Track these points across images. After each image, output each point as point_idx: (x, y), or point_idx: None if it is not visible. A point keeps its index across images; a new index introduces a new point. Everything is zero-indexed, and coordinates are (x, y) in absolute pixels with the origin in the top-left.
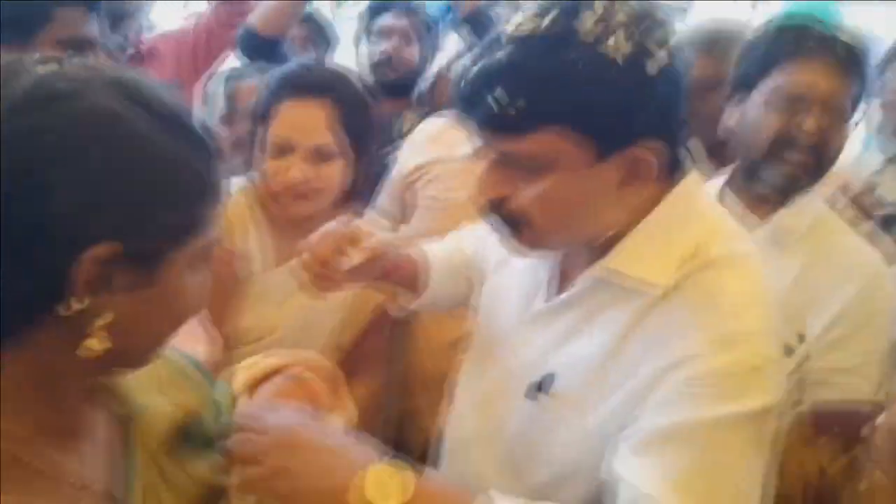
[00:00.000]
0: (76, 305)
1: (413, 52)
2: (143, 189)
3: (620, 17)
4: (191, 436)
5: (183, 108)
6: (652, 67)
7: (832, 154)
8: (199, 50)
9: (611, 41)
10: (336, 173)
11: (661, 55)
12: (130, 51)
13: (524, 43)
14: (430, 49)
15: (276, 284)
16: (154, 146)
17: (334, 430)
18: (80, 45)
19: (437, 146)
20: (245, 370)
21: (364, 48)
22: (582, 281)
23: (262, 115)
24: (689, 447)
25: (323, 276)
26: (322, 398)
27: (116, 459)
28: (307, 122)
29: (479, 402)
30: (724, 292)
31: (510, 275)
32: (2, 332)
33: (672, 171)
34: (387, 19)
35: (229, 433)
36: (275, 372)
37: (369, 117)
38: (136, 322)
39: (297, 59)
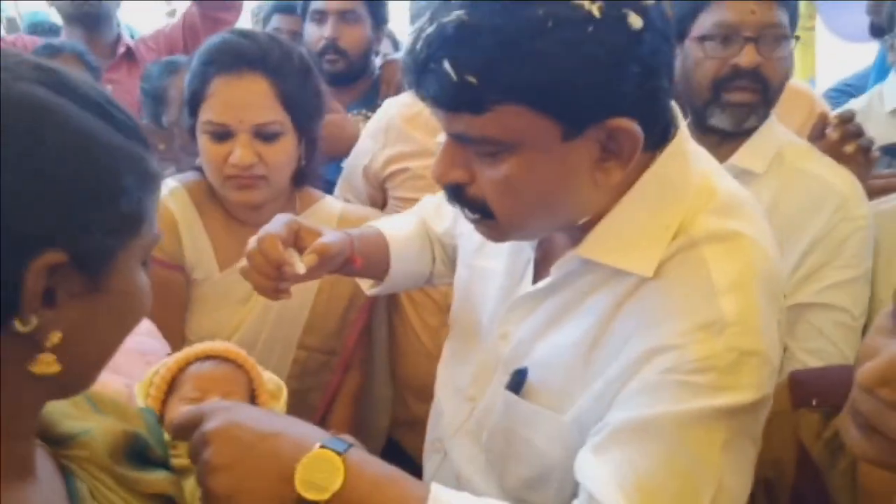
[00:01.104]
0: (33, 320)
1: (358, 35)
2: (81, 187)
3: None
4: (136, 452)
5: (110, 98)
6: (636, 20)
7: (777, 83)
8: (189, 47)
9: None
10: (284, 153)
11: (647, 2)
12: (121, 50)
13: (479, 1)
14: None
15: (234, 283)
16: (89, 134)
17: (262, 414)
18: None
19: (416, 130)
20: (142, 385)
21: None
22: (556, 270)
23: (193, 99)
24: (655, 444)
25: (267, 287)
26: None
27: (59, 494)
28: (243, 99)
29: (459, 396)
30: (710, 273)
31: (492, 255)
32: None
33: (660, 139)
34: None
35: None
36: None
37: (313, 85)
38: (88, 331)
39: (228, 29)
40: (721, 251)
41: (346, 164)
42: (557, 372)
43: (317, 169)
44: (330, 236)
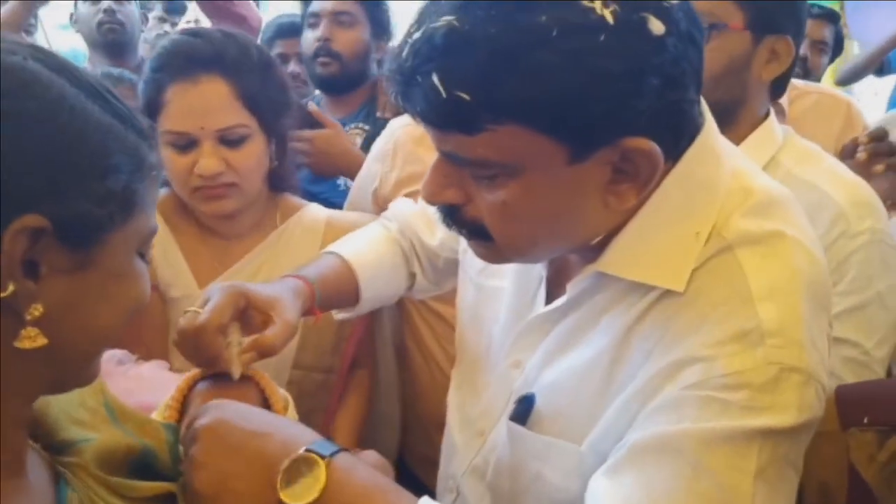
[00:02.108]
0: (10, 287)
1: (353, 37)
2: (66, 155)
3: None
4: (143, 465)
5: (110, 89)
6: (656, 25)
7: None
8: None
9: None
10: (252, 157)
11: (671, 2)
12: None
13: (472, 3)
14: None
15: None
16: (81, 112)
17: (255, 412)
18: None
19: (426, 151)
20: (161, 407)
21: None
22: (573, 287)
23: (149, 108)
24: (674, 465)
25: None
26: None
27: (47, 501)
28: (203, 105)
29: (470, 430)
30: (746, 279)
31: (500, 273)
32: None
33: (685, 148)
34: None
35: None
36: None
37: (276, 80)
38: (75, 311)
39: (178, 29)
40: (759, 254)
41: (353, 188)
42: (570, 397)
43: (291, 169)
44: (277, 325)
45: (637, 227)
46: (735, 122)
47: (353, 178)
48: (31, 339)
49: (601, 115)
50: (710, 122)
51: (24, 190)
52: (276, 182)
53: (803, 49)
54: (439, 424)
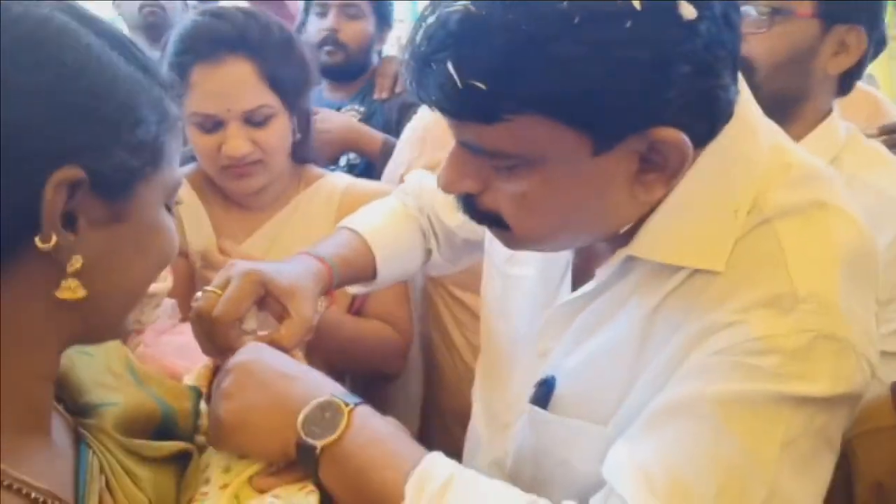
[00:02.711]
0: (53, 238)
1: (359, 29)
2: (100, 106)
3: None
4: (164, 428)
5: (132, 41)
6: (687, 9)
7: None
8: None
9: None
10: (277, 135)
11: None
12: None
13: None
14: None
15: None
16: (109, 64)
17: (288, 359)
18: None
19: (424, 145)
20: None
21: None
22: (601, 273)
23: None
24: (695, 427)
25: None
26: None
27: (68, 463)
28: (229, 87)
29: (495, 424)
30: (781, 245)
31: (525, 261)
32: None
33: (713, 135)
34: None
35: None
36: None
37: (297, 56)
38: (111, 262)
39: (199, 10)
40: (798, 223)
41: (384, 175)
42: (594, 379)
43: (312, 142)
44: (293, 321)
45: (671, 207)
46: (796, 117)
47: (360, 149)
48: (72, 290)
49: (627, 106)
50: (745, 94)
51: (61, 142)
52: (300, 154)
53: None
54: (458, 416)
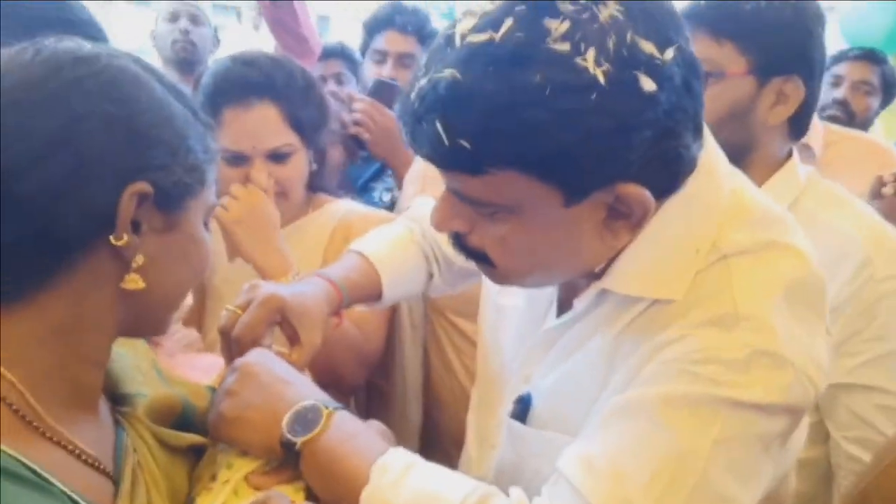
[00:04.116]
0: (124, 237)
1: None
2: (162, 134)
3: (604, 16)
4: (184, 420)
5: (182, 87)
6: (647, 83)
7: None
8: None
9: (588, 53)
10: (297, 170)
11: (665, 59)
12: None
13: (473, 58)
14: None
15: (243, 272)
16: (167, 103)
17: (288, 368)
18: None
19: (424, 182)
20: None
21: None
22: (579, 303)
23: None
24: (636, 422)
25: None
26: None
27: (109, 439)
28: (256, 129)
29: (484, 446)
30: (731, 278)
31: (513, 292)
32: (56, 263)
33: (675, 187)
34: (387, 37)
35: None
36: None
37: (316, 98)
38: (163, 264)
39: (226, 58)
40: (749, 259)
41: (396, 210)
42: (567, 397)
43: (326, 173)
44: (302, 347)
45: (639, 247)
46: (750, 165)
47: (391, 164)
48: (134, 282)
49: (593, 166)
50: (710, 144)
51: (135, 161)
52: (314, 184)
53: (843, 92)
54: (455, 439)
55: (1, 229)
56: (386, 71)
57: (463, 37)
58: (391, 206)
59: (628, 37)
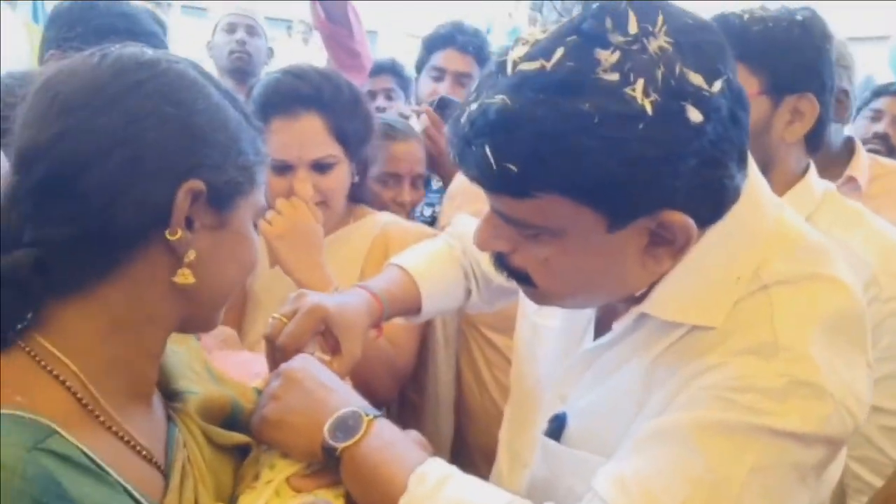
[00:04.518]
0: (179, 232)
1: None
2: (216, 135)
3: (654, 48)
4: (232, 419)
5: (235, 94)
6: (695, 114)
7: None
8: None
9: (637, 84)
10: (338, 181)
11: (712, 91)
12: None
13: (524, 85)
14: None
15: (283, 280)
16: (222, 107)
17: (331, 374)
18: None
19: (464, 197)
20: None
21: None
22: (617, 326)
23: None
24: (671, 447)
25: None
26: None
27: (162, 433)
28: (301, 139)
29: (517, 463)
30: (772, 307)
31: (551, 313)
32: (114, 256)
33: (719, 217)
34: (447, 55)
35: None
36: None
37: (362, 112)
38: (213, 261)
39: (277, 70)
40: (791, 290)
41: (438, 225)
42: (603, 419)
43: (368, 185)
44: (343, 358)
45: (681, 273)
46: (769, 183)
47: (439, 173)
48: (185, 276)
49: (638, 193)
50: (754, 173)
51: (190, 159)
52: (356, 195)
53: (883, 126)
54: (486, 453)
55: (63, 222)
56: (443, 88)
57: (515, 64)
58: (432, 221)
59: (677, 68)
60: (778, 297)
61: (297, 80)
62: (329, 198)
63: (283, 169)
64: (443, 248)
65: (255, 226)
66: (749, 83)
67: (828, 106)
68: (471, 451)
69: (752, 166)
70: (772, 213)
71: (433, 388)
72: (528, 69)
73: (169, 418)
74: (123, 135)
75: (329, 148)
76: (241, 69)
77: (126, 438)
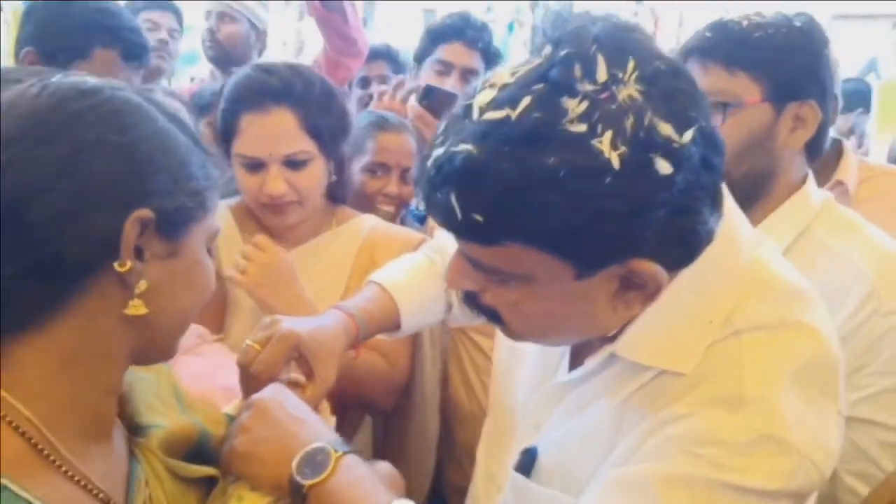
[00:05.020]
0: (128, 263)
1: None
2: (164, 162)
3: (623, 96)
4: (198, 450)
5: (184, 118)
6: (664, 165)
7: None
8: None
9: (605, 136)
10: (313, 178)
11: (682, 141)
12: None
13: (489, 135)
14: None
15: None
16: (169, 132)
17: (302, 406)
18: None
19: None
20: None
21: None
22: (591, 362)
23: (225, 133)
24: (636, 497)
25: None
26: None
27: (122, 472)
28: (271, 133)
29: (491, 485)
30: (742, 354)
31: None
32: (63, 290)
33: (691, 261)
34: (454, 49)
35: None
36: None
37: (336, 108)
38: (167, 290)
39: (247, 66)
40: (763, 337)
41: (428, 223)
42: (572, 455)
43: (348, 184)
44: (316, 385)
45: (652, 314)
46: (769, 192)
47: None
48: (137, 307)
49: (606, 245)
50: (729, 211)
51: (137, 189)
52: (335, 194)
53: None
54: (470, 452)
55: (10, 257)
56: (450, 84)
57: (481, 110)
58: (425, 217)
59: (646, 118)
60: (749, 345)
61: (266, 75)
62: (303, 195)
63: (255, 166)
64: (423, 262)
65: (210, 251)
66: (750, 91)
67: (828, 112)
68: (457, 451)
69: (729, 202)
70: (747, 252)
71: (420, 391)
72: (494, 118)
73: (132, 453)
74: (67, 166)
75: (301, 143)
76: (215, 58)
77: (83, 483)
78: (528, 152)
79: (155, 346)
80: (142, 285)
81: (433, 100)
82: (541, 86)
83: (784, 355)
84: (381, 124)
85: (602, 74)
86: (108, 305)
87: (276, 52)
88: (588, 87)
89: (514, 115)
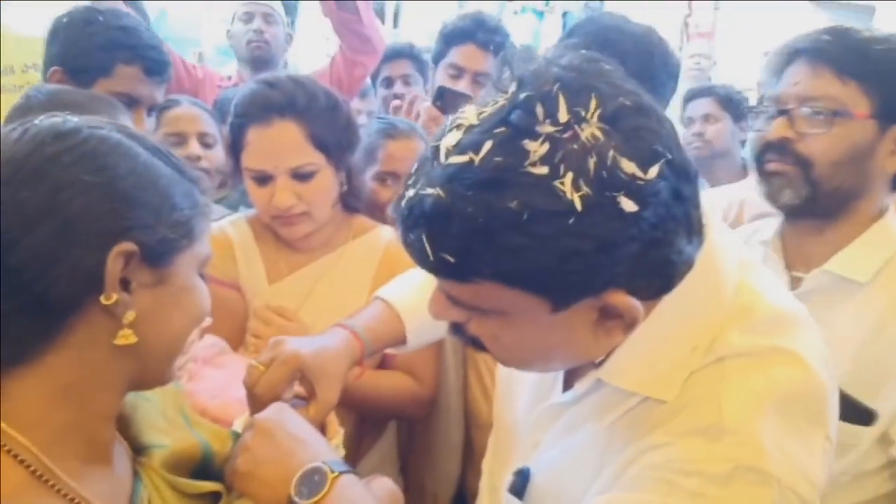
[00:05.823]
0: (114, 296)
1: None
2: (146, 196)
3: (586, 135)
4: (202, 467)
5: (169, 150)
6: (628, 204)
7: (822, 162)
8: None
9: (567, 177)
10: (322, 189)
11: (647, 178)
12: None
13: (455, 179)
14: None
15: (282, 296)
16: (149, 165)
17: (304, 425)
18: (131, 104)
19: None
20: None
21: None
22: (579, 385)
23: (234, 147)
24: None
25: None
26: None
27: (125, 492)
28: (277, 146)
29: (495, 497)
30: (724, 383)
31: None
32: (52, 325)
33: (669, 289)
34: (466, 52)
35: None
36: None
37: (342, 119)
38: (157, 317)
39: (255, 78)
40: (745, 364)
41: None
42: (564, 478)
43: (361, 191)
44: (319, 405)
45: (636, 340)
46: (850, 214)
47: None
48: (126, 337)
49: (576, 282)
50: (712, 235)
51: (118, 223)
52: (348, 203)
53: (698, 127)
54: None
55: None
56: (461, 87)
57: (447, 153)
58: None
59: (609, 157)
60: (731, 372)
61: (269, 88)
62: (312, 207)
63: (263, 179)
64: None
65: (203, 276)
66: (859, 103)
67: None
68: (477, 458)
69: (715, 225)
70: (733, 278)
71: (444, 398)
72: (458, 161)
73: (136, 473)
74: (47, 207)
75: (307, 156)
76: (261, 58)
77: None
78: (492, 196)
79: (150, 372)
80: (129, 316)
81: (446, 100)
82: (502, 129)
83: (766, 383)
84: (389, 132)
85: (563, 114)
86: (99, 337)
87: (319, 47)
88: (550, 128)
89: (476, 159)
